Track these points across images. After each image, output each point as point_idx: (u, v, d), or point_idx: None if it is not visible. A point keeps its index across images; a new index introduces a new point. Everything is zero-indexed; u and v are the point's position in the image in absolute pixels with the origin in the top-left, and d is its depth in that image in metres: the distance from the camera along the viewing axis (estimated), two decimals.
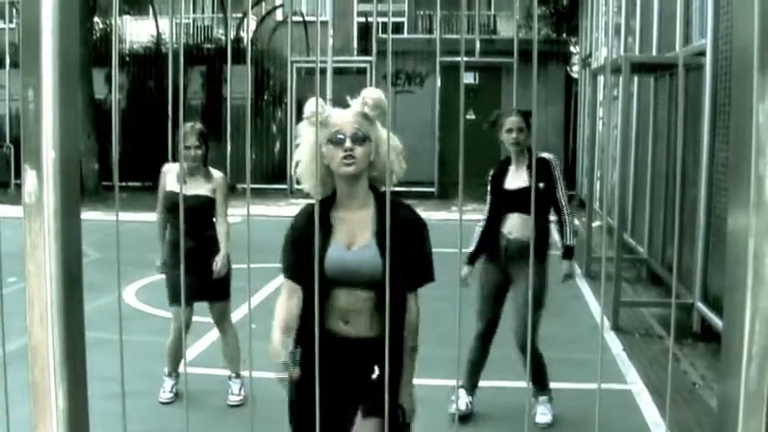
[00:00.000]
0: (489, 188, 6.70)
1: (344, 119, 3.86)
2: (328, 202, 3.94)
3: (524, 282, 6.44)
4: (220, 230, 6.92)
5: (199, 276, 6.71)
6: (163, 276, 7.11)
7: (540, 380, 6.66)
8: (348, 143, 3.79)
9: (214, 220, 6.97)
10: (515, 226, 6.48)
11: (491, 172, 6.74)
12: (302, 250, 3.82)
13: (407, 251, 3.82)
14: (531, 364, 6.48)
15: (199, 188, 6.85)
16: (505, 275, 6.60)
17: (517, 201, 6.41)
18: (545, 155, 6.72)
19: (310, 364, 3.73)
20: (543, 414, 6.63)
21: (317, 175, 3.83)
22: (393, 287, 3.52)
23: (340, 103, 4.02)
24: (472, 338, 6.75)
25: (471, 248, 6.69)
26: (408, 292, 3.96)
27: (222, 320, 7.04)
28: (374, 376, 3.91)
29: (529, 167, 6.47)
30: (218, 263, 6.82)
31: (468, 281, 6.68)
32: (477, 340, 6.73)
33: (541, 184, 6.46)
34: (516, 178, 6.52)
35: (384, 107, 3.93)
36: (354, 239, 3.87)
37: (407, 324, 3.96)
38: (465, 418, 6.71)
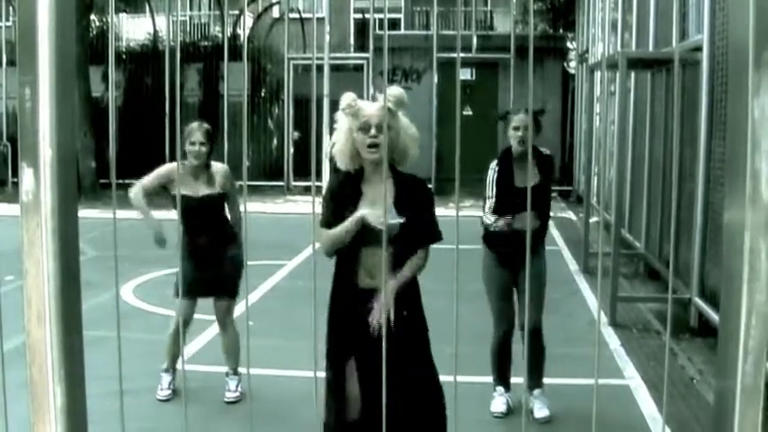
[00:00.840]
0: (496, 182, 6.58)
1: (373, 110, 4.82)
2: (358, 176, 4.93)
3: (531, 275, 6.46)
4: (233, 219, 7.04)
5: (210, 272, 6.81)
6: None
7: (537, 371, 6.67)
8: (373, 131, 4.75)
9: (226, 214, 7.02)
10: (525, 223, 6.34)
11: (494, 165, 6.65)
12: (337, 207, 4.85)
13: (418, 212, 4.84)
14: (535, 347, 6.58)
15: (206, 188, 6.89)
16: (513, 270, 6.59)
17: (524, 201, 6.31)
18: (547, 151, 6.74)
19: (343, 313, 4.82)
20: (540, 408, 6.63)
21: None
22: (408, 243, 4.79)
23: (373, 98, 5.15)
24: (494, 341, 6.74)
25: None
26: (420, 248, 4.90)
27: (225, 318, 7.04)
28: (405, 313, 4.84)
29: (535, 165, 6.50)
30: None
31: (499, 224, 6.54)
32: (500, 342, 6.73)
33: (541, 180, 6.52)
34: (524, 176, 6.46)
35: (405, 102, 4.89)
36: (377, 204, 4.64)
37: (418, 257, 4.91)
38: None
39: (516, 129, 6.47)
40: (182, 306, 6.75)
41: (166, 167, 6.87)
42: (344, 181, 4.97)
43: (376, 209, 4.64)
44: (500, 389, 6.84)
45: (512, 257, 6.52)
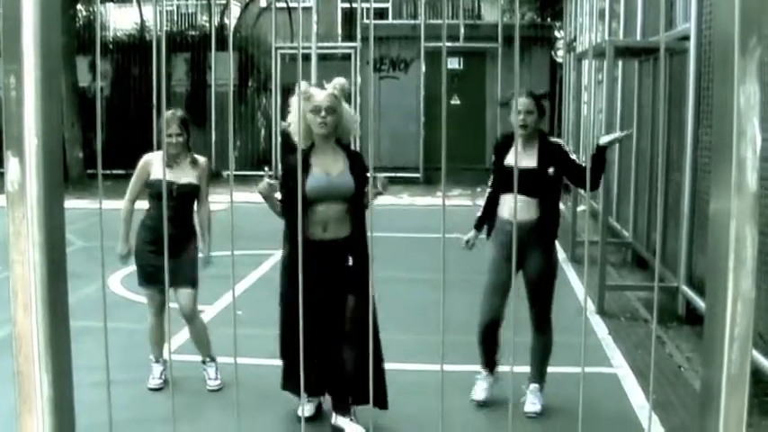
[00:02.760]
0: (494, 164, 6.71)
1: (321, 96, 5.99)
2: (308, 150, 6.06)
3: (535, 262, 6.49)
4: (202, 214, 7.02)
5: (172, 262, 6.73)
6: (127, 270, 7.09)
7: (540, 365, 6.67)
8: (323, 113, 5.95)
9: (194, 206, 7.05)
10: (519, 208, 6.42)
11: (497, 144, 6.81)
12: (290, 180, 5.95)
13: (363, 176, 5.98)
14: (538, 342, 6.65)
15: (186, 175, 6.89)
16: (506, 258, 6.50)
17: (523, 182, 6.38)
18: (556, 140, 6.76)
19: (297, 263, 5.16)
20: (533, 403, 6.61)
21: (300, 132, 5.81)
22: (357, 201, 5.98)
23: (321, 86, 6.14)
24: (478, 328, 6.72)
25: (478, 214, 6.78)
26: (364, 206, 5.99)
27: (191, 307, 7.01)
28: (350, 263, 5.95)
29: (538, 150, 6.50)
30: (203, 248, 7.00)
31: (472, 244, 6.77)
32: (486, 329, 6.70)
33: (551, 169, 6.47)
34: (522, 159, 6.46)
35: (347, 90, 6.14)
36: (331, 170, 5.98)
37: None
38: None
39: (518, 113, 6.38)
40: (152, 296, 6.92)
41: (143, 159, 6.91)
42: (298, 154, 6.12)
43: (328, 173, 5.96)
44: (483, 373, 6.81)
45: (505, 249, 6.49)
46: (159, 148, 7.01)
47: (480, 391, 6.79)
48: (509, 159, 6.56)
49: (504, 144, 6.71)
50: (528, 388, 6.68)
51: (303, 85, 6.21)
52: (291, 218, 5.95)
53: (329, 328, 5.99)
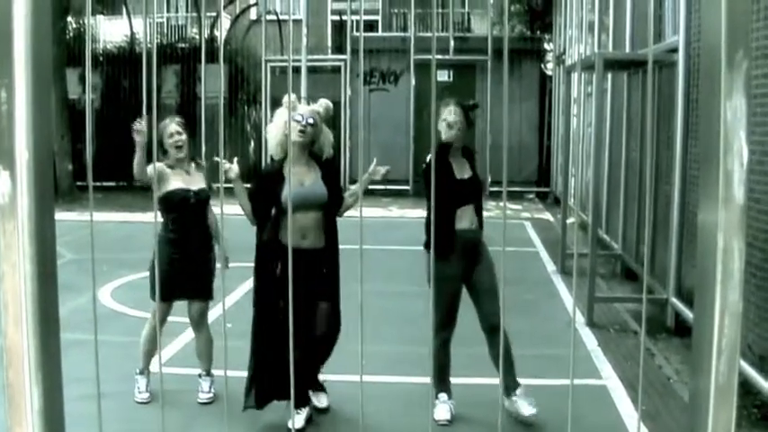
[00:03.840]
0: (434, 178, 6.29)
1: (305, 110, 6.37)
2: (283, 161, 6.32)
3: (485, 269, 6.57)
4: (214, 216, 7.08)
5: (189, 274, 6.78)
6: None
7: (511, 372, 6.64)
8: (304, 122, 6.26)
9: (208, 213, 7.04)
10: (468, 218, 6.55)
11: (429, 159, 6.40)
12: (266, 191, 6.26)
13: (337, 187, 6.48)
14: (503, 349, 6.52)
15: (197, 182, 6.91)
16: (462, 271, 6.56)
17: (467, 192, 6.54)
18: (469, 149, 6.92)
19: (269, 268, 6.17)
20: (528, 407, 6.54)
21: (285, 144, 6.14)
22: (331, 210, 6.36)
23: (314, 99, 6.62)
24: (437, 346, 6.61)
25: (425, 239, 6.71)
26: (336, 214, 6.45)
27: (200, 320, 7.02)
28: (324, 272, 6.28)
29: (465, 158, 6.68)
30: (218, 249, 6.94)
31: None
32: (443, 347, 6.64)
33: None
34: (462, 170, 6.59)
35: (330, 111, 6.53)
36: (304, 180, 6.28)
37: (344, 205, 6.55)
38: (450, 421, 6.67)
39: (444, 121, 6.48)
40: (160, 308, 6.75)
41: (151, 169, 6.62)
42: (273, 166, 6.53)
43: (302, 182, 6.27)
44: (443, 395, 6.72)
45: (462, 260, 6.53)
46: (161, 155, 6.95)
47: (444, 411, 6.66)
48: (458, 174, 6.55)
49: (444, 160, 6.48)
50: (515, 395, 6.63)
51: (288, 97, 6.33)
52: (262, 225, 6.33)
53: (302, 333, 6.13)
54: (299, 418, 6.38)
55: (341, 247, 6.49)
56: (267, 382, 6.36)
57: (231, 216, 7.89)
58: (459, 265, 6.51)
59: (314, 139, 6.38)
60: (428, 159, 6.36)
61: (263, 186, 6.35)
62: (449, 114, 6.46)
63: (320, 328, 6.42)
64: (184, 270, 6.76)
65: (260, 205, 6.28)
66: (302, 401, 6.47)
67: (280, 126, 6.39)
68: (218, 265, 6.94)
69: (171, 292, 6.77)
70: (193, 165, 6.95)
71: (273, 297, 6.21)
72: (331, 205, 6.34)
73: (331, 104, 6.57)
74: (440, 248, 6.37)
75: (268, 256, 6.24)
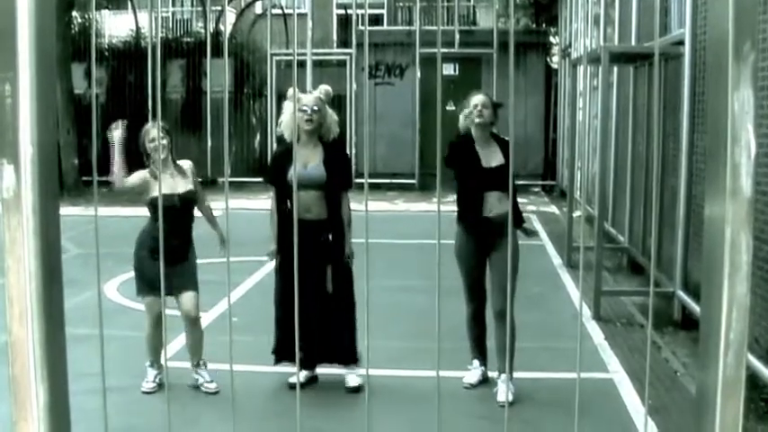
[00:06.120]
0: (459, 164, 6.96)
1: (309, 99, 7.10)
2: (293, 143, 6.95)
3: (504, 254, 6.69)
4: (205, 212, 7.29)
5: (174, 270, 6.85)
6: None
7: (502, 355, 6.68)
8: (309, 111, 7.00)
9: (194, 212, 7.14)
10: (495, 203, 6.82)
11: (456, 144, 7.05)
12: (278, 169, 7.09)
13: (340, 168, 7.12)
14: (501, 330, 6.80)
15: (183, 184, 6.97)
16: (484, 250, 6.94)
17: (495, 179, 6.77)
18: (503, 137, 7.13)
19: (289, 239, 6.74)
20: (508, 393, 6.56)
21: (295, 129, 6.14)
22: (332, 189, 7.00)
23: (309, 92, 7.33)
24: (467, 318, 7.12)
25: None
26: (341, 192, 7.11)
27: (194, 311, 7.06)
28: (330, 237, 6.98)
29: (499, 147, 6.95)
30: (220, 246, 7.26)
31: None
32: (473, 318, 7.11)
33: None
34: (489, 157, 6.88)
35: (330, 95, 7.27)
36: (308, 162, 7.01)
37: (343, 212, 7.08)
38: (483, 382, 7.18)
39: (475, 106, 6.87)
40: (150, 304, 6.97)
41: (136, 176, 6.96)
42: (283, 149, 7.45)
43: (306, 164, 6.98)
44: (475, 362, 7.19)
45: (485, 241, 6.89)
46: (149, 158, 7.05)
47: (473, 376, 7.15)
48: (484, 162, 6.89)
49: (463, 145, 6.97)
50: (499, 378, 6.84)
51: (291, 90, 7.23)
52: (277, 200, 7.18)
53: (313, 294, 6.95)
54: (301, 375, 6.91)
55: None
56: (287, 342, 7.01)
57: (236, 210, 7.89)
58: (479, 245, 6.93)
59: (321, 122, 7.08)
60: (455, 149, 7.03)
61: (276, 164, 7.28)
62: (478, 100, 6.88)
63: (329, 286, 7.06)
64: (166, 265, 6.73)
65: (274, 179, 7.14)
66: (309, 363, 7.24)
67: (289, 114, 6.98)
68: (215, 261, 7.01)
69: (152, 285, 6.88)
70: (174, 167, 7.04)
71: (287, 263, 7.00)
72: (330, 184, 7.00)
73: (330, 88, 7.34)
74: (463, 225, 7.03)
75: (285, 227, 6.97)
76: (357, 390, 7.06)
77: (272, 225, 7.15)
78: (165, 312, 2.70)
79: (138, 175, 6.93)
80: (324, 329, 7.08)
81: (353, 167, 8.65)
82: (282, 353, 7.18)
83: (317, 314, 6.99)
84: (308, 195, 6.95)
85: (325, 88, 7.27)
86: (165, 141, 6.83)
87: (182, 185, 6.98)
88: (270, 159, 7.65)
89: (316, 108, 7.03)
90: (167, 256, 6.72)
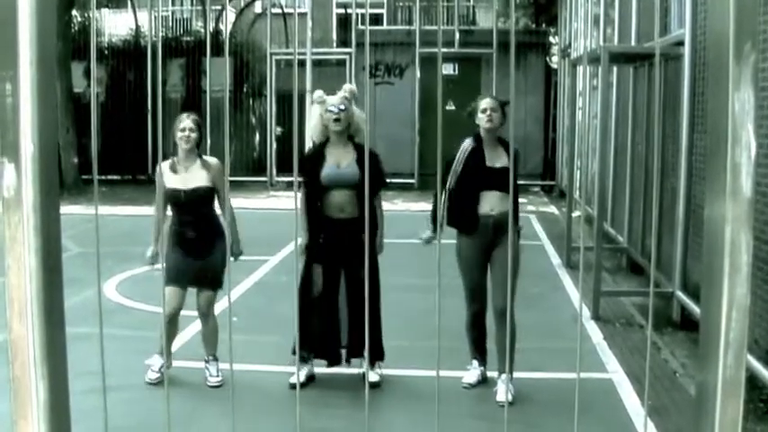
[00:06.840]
0: (464, 162, 7.03)
1: (335, 99, 7.12)
2: (324, 144, 7.19)
3: (504, 253, 6.78)
4: (226, 217, 7.13)
5: (196, 264, 6.97)
6: (144, 269, 7.14)
7: (501, 355, 6.69)
8: (336, 111, 7.06)
9: (215, 207, 7.16)
10: (495, 203, 6.88)
11: (466, 146, 7.10)
12: (310, 170, 7.04)
13: (371, 171, 6.66)
14: (501, 330, 6.82)
15: (196, 180, 7.00)
16: (485, 250, 6.98)
17: (497, 179, 6.84)
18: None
19: (320, 234, 6.99)
20: (507, 393, 6.60)
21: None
22: (363, 188, 6.73)
23: (332, 92, 7.26)
24: (467, 320, 7.13)
25: (440, 215, 6.95)
26: (373, 194, 7.05)
27: (208, 309, 7.12)
28: (363, 237, 6.61)
29: (505, 150, 7.02)
30: (234, 250, 7.17)
31: (429, 241, 7.33)
32: (474, 321, 7.12)
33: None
34: (494, 158, 6.96)
35: (356, 94, 7.29)
36: (341, 162, 7.06)
37: (378, 212, 7.17)
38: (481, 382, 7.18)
39: (484, 111, 6.97)
40: (172, 293, 6.94)
41: (158, 169, 7.03)
42: (316, 149, 7.27)
43: (339, 164, 7.03)
44: (474, 362, 7.21)
45: (485, 240, 6.93)
46: (165, 157, 7.12)
47: (471, 376, 7.18)
48: (488, 161, 6.97)
49: (477, 148, 7.06)
50: (499, 378, 6.88)
51: (318, 92, 7.33)
52: (310, 201, 7.14)
53: (347, 291, 7.17)
54: (301, 375, 6.92)
55: None
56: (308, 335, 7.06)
57: (236, 210, 7.91)
58: (478, 245, 6.97)
59: (349, 122, 7.14)
60: (468, 148, 7.09)
61: (306, 166, 7.12)
62: (487, 104, 6.99)
63: (364, 279, 6.86)
64: (185, 260, 6.99)
65: (307, 185, 7.11)
66: (334, 358, 7.28)
67: (317, 116, 7.18)
68: (231, 259, 7.01)
69: (176, 278, 6.95)
70: (199, 162, 7.01)
71: (317, 259, 7.14)
72: (363, 184, 6.84)
73: (354, 87, 7.39)
74: (462, 226, 7.04)
75: (316, 226, 7.08)
76: (378, 385, 7.09)
77: (304, 223, 7.18)
78: (165, 312, 2.70)
79: (160, 169, 7.04)
80: (357, 326, 7.11)
81: None
82: (310, 347, 7.18)
83: (350, 311, 7.14)
84: (340, 195, 7.02)
85: (349, 87, 7.32)
86: (194, 135, 6.99)
87: (195, 181, 7.01)
88: (302, 160, 7.52)
89: (342, 107, 7.08)
90: (188, 249, 6.98)
